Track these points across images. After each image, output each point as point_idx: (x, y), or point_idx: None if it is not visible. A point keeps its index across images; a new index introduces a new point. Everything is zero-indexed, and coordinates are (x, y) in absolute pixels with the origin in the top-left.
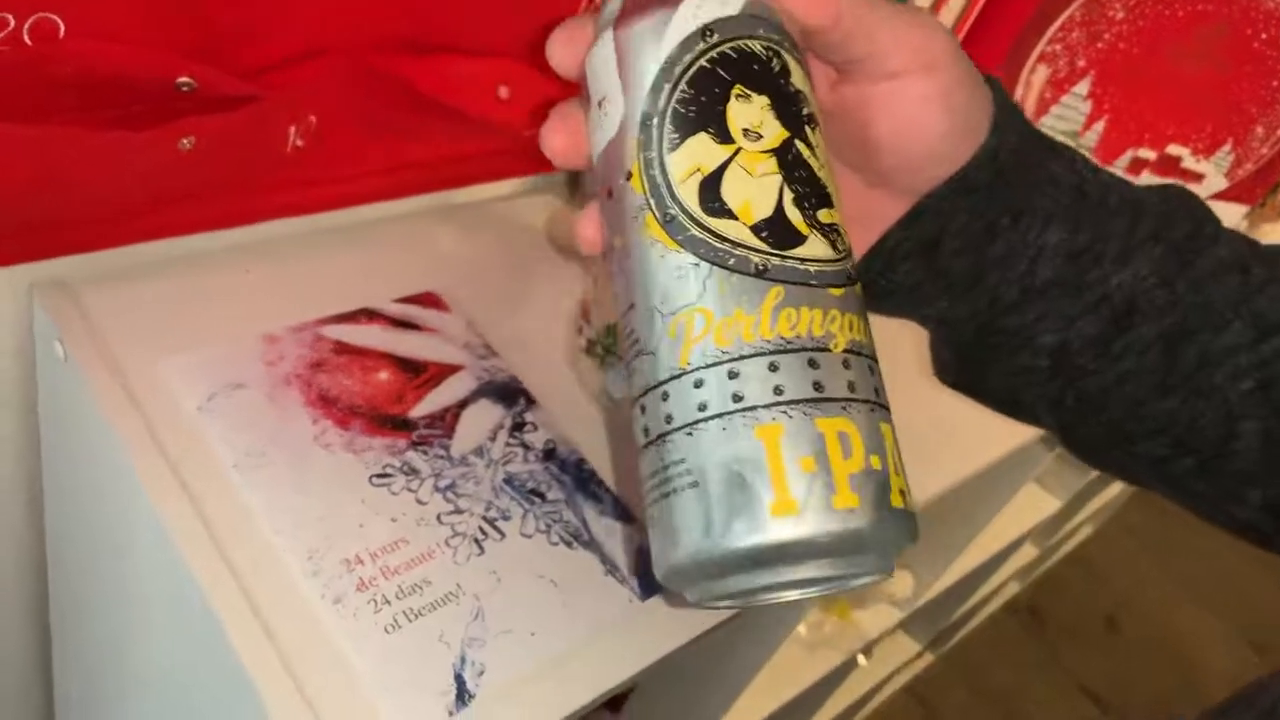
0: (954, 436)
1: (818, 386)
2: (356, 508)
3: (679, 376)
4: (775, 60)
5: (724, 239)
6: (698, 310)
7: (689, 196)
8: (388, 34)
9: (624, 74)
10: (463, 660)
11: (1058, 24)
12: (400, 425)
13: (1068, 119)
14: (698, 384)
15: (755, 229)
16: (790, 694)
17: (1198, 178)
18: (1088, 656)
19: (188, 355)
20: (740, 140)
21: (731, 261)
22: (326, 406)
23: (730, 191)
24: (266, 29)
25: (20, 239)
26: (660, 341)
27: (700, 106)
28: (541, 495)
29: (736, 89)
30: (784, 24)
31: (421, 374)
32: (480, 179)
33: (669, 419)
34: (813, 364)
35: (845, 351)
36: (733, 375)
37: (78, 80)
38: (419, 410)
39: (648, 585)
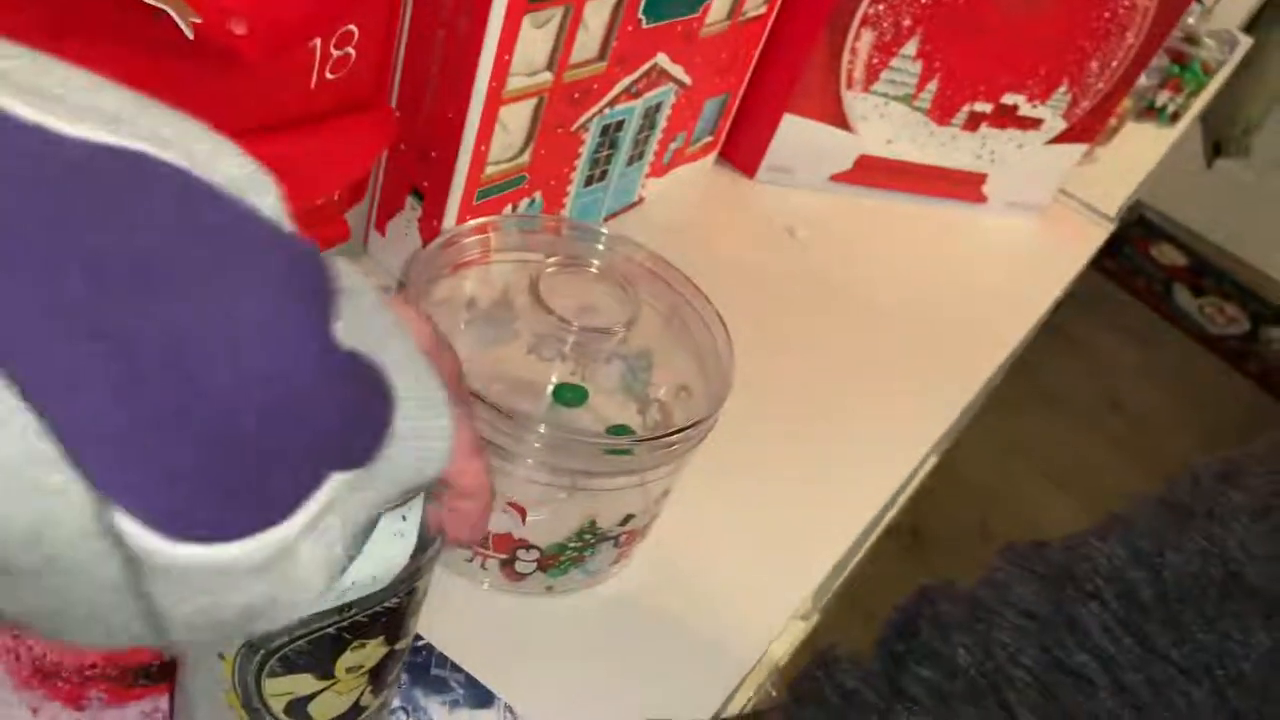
0: None
1: None
2: None
3: None
4: (403, 600)
5: None
6: None
7: (277, 707)
8: None
9: None
10: None
11: None
12: None
13: (899, 83)
14: None
15: None
16: None
17: (1036, 124)
18: (966, 568)
19: None
20: (341, 675)
21: None
22: None
23: (316, 708)
24: None
25: None
26: None
27: (312, 658)
28: None
29: (355, 644)
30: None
31: None
32: None
33: None
34: None
35: None
36: None
37: None
38: None
39: None
